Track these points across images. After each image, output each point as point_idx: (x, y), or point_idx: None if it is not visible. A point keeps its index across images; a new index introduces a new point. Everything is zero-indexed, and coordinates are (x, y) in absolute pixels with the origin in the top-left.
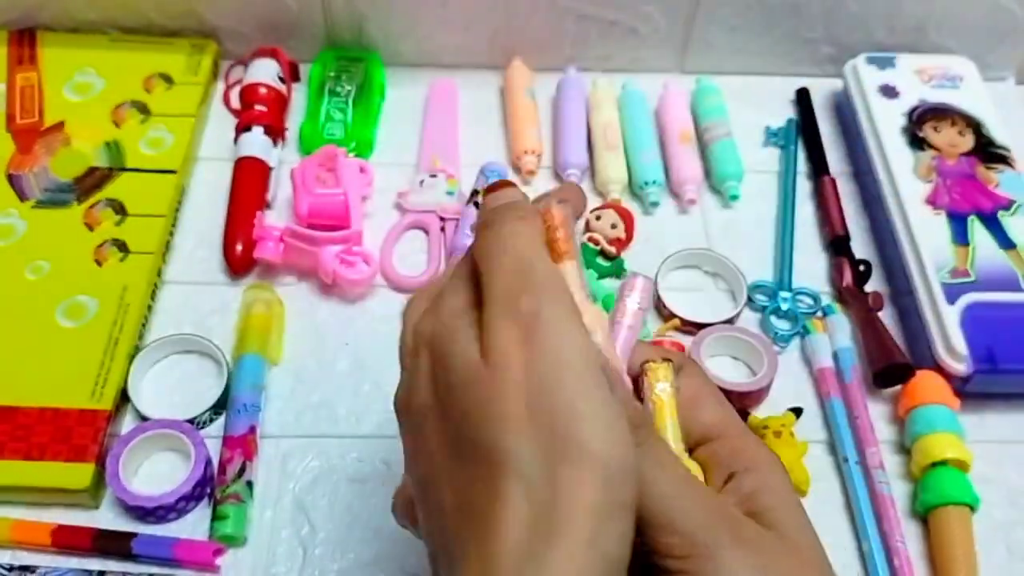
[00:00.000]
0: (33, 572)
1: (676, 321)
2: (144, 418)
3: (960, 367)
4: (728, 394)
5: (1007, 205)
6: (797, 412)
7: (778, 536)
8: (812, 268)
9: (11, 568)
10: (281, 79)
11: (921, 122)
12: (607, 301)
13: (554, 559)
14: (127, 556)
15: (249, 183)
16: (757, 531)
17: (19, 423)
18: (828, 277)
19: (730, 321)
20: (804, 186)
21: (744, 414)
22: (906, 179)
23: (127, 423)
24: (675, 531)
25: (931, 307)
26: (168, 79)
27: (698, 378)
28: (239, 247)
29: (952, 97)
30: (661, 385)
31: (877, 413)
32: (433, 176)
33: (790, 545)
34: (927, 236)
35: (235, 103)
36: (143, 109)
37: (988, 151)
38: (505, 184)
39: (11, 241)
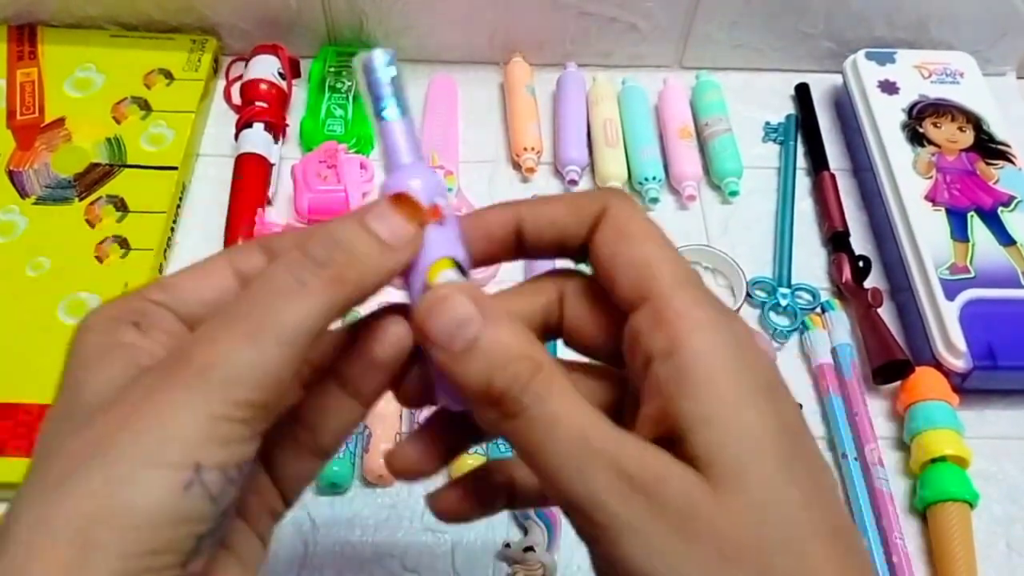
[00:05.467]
0: None
1: None
2: None
3: (959, 363)
4: None
5: (1007, 201)
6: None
7: (716, 492)
8: (811, 264)
9: None
10: (282, 75)
11: (921, 118)
12: None
13: None
14: None
15: (250, 179)
16: (685, 495)
17: (20, 420)
18: (827, 273)
19: None
20: (803, 182)
21: None
22: (906, 175)
23: None
24: (584, 512)
25: (930, 303)
26: (169, 75)
27: (624, 218)
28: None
29: (952, 93)
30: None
31: (876, 409)
32: None
33: (735, 507)
34: (927, 232)
35: (236, 99)
36: (144, 105)
37: (988, 147)
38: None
39: (12, 238)
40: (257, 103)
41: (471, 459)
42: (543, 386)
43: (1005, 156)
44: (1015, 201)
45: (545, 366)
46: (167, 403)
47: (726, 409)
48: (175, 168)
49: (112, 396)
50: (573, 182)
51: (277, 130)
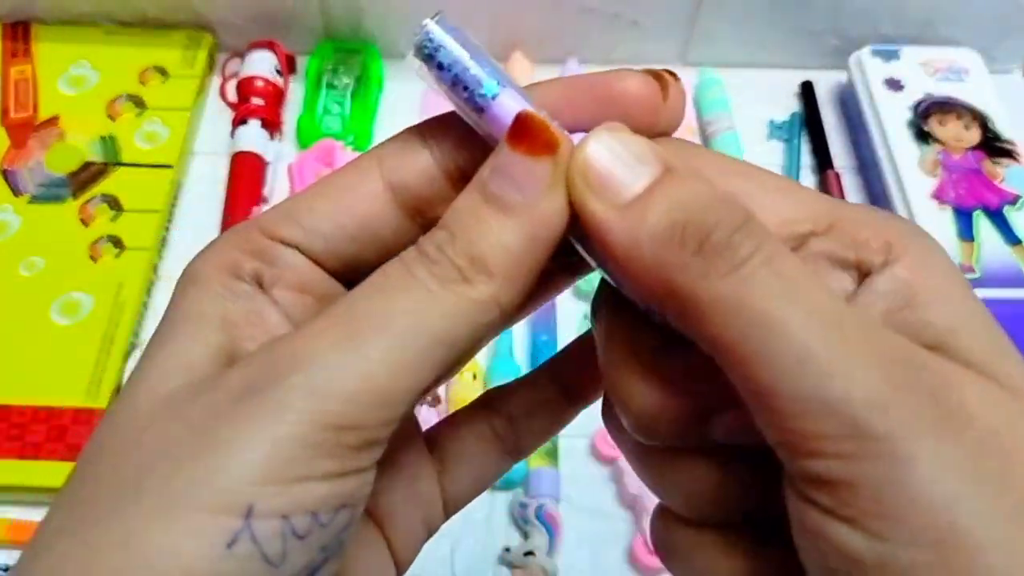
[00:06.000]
0: None
1: None
2: None
3: None
4: None
5: (1013, 200)
6: None
7: (1016, 399)
8: None
9: (7, 568)
10: (278, 72)
11: (926, 116)
12: None
13: None
14: None
15: (246, 178)
16: (982, 398)
17: (13, 422)
18: None
19: None
20: (808, 180)
21: None
22: (912, 173)
23: None
24: (825, 411)
25: None
26: (164, 72)
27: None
28: None
29: (957, 90)
30: None
31: None
32: None
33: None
34: (932, 231)
35: (231, 96)
36: (138, 103)
37: (994, 145)
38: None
39: (5, 237)
40: (253, 100)
41: None
42: (766, 236)
43: (1011, 155)
44: (1021, 200)
45: (756, 217)
46: (230, 418)
47: (976, 316)
48: (170, 166)
49: (182, 401)
50: None
51: (273, 127)
